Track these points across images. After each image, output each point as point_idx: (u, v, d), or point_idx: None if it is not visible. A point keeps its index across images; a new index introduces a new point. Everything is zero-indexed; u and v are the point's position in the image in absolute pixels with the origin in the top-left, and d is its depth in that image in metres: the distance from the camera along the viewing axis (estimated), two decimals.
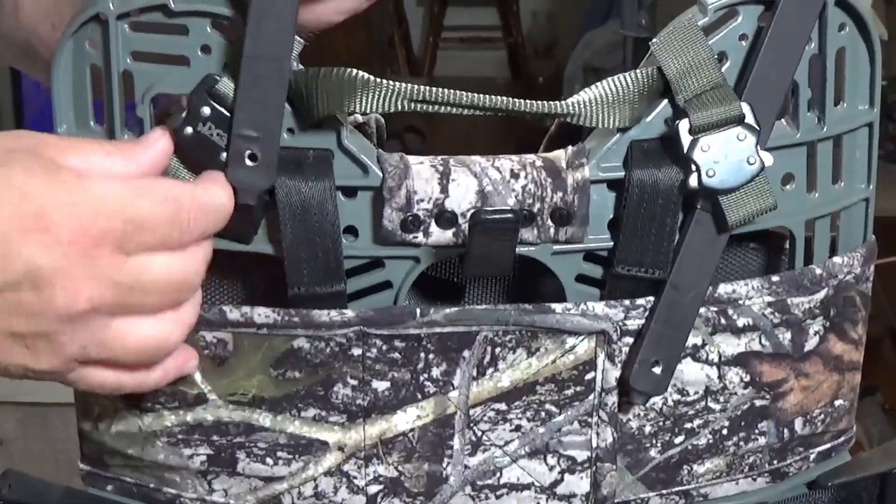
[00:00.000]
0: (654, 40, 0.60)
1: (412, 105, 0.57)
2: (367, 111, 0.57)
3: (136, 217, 0.53)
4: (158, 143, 0.57)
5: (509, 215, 0.55)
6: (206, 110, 0.57)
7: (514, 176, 0.59)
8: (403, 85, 0.57)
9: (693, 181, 0.59)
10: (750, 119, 0.59)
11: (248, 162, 0.57)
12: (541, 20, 3.59)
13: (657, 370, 0.61)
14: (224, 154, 0.57)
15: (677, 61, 0.59)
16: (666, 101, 0.60)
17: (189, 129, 0.57)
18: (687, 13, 0.60)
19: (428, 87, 0.57)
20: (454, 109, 0.58)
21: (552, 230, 0.60)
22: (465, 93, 0.57)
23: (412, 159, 0.60)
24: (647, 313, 0.61)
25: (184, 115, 0.57)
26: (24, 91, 2.07)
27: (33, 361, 0.54)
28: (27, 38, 0.73)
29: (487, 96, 0.58)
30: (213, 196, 0.56)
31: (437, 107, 0.57)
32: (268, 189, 0.58)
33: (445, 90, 0.57)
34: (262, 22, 0.56)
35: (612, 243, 0.61)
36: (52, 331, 0.53)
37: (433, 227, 0.59)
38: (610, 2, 2.77)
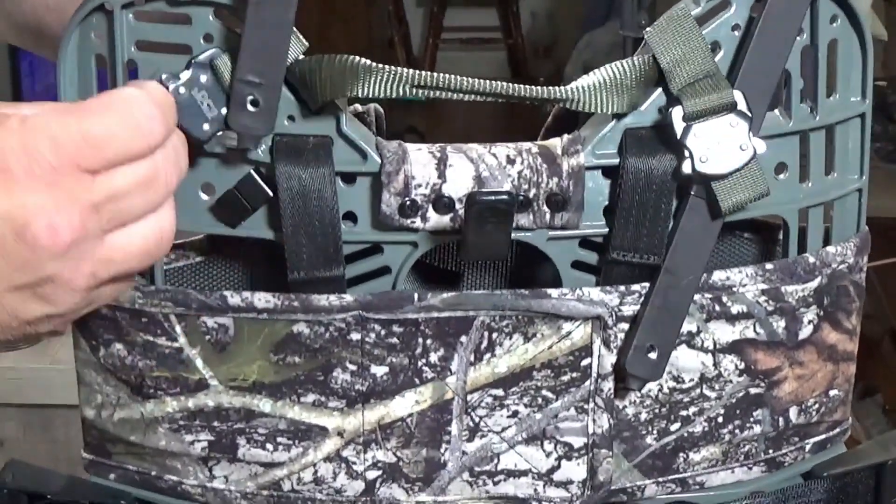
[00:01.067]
0: (647, 29, 0.61)
1: (414, 90, 0.58)
2: (370, 95, 0.58)
3: (88, 133, 0.52)
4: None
5: (504, 196, 0.56)
6: (205, 78, 0.58)
7: (511, 162, 0.60)
8: (406, 70, 0.58)
9: (686, 167, 0.60)
10: (742, 106, 0.60)
11: (250, 107, 0.58)
12: (540, 21, 3.61)
13: (653, 355, 0.62)
14: (206, 125, 0.58)
15: (671, 50, 0.60)
16: (660, 89, 0.61)
17: (183, 90, 0.57)
18: (680, 3, 0.61)
19: (429, 73, 0.58)
20: (455, 95, 0.59)
21: (548, 216, 0.61)
22: (466, 78, 0.58)
23: (410, 146, 0.61)
24: (642, 299, 0.62)
25: (183, 77, 0.57)
26: (23, 93, 2.08)
27: (52, 307, 0.54)
28: (36, 20, 0.74)
29: (488, 81, 0.59)
30: (157, 91, 0.56)
31: (439, 92, 0.58)
32: (266, 167, 0.59)
33: (446, 75, 0.58)
34: (262, 8, 0.57)
35: (607, 229, 0.62)
36: (53, 272, 0.53)
37: (431, 213, 0.60)
38: (609, 2, 2.79)
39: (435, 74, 0.59)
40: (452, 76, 0.59)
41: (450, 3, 3.42)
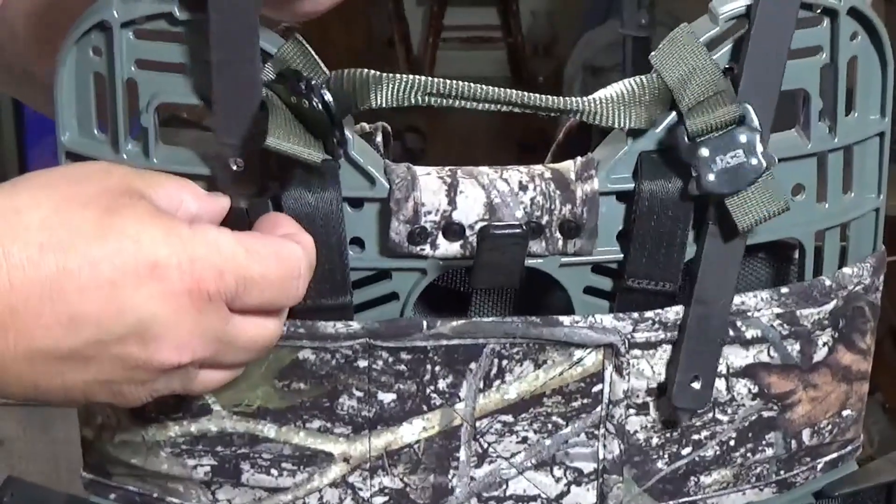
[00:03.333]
0: (653, 53, 0.59)
1: (427, 99, 0.57)
2: (383, 105, 0.56)
3: (249, 277, 0.53)
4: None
5: (518, 230, 0.55)
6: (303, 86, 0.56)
7: (523, 188, 0.59)
8: (417, 78, 0.57)
9: (693, 187, 0.58)
10: (750, 119, 0.58)
11: (234, 167, 0.57)
12: (540, 20, 3.59)
13: (696, 385, 0.61)
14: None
15: (675, 70, 0.59)
16: (674, 112, 0.60)
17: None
18: (695, 23, 0.60)
19: (442, 80, 0.57)
20: (468, 103, 0.57)
21: (560, 242, 0.59)
22: (479, 86, 0.57)
23: (419, 170, 0.59)
24: (655, 326, 0.61)
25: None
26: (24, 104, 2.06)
27: (118, 402, 0.54)
28: (24, 66, 0.72)
29: (501, 90, 0.57)
30: (313, 251, 0.56)
31: (451, 101, 0.57)
32: (267, 195, 0.57)
33: (460, 83, 0.57)
34: (225, 26, 0.55)
35: (621, 255, 0.60)
36: (149, 379, 0.53)
37: (440, 240, 0.59)
38: (609, 1, 2.77)
39: (447, 82, 0.57)
40: (464, 84, 0.57)
41: (450, 2, 3.40)
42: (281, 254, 0.54)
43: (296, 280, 0.54)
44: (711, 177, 0.58)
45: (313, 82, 0.55)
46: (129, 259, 0.51)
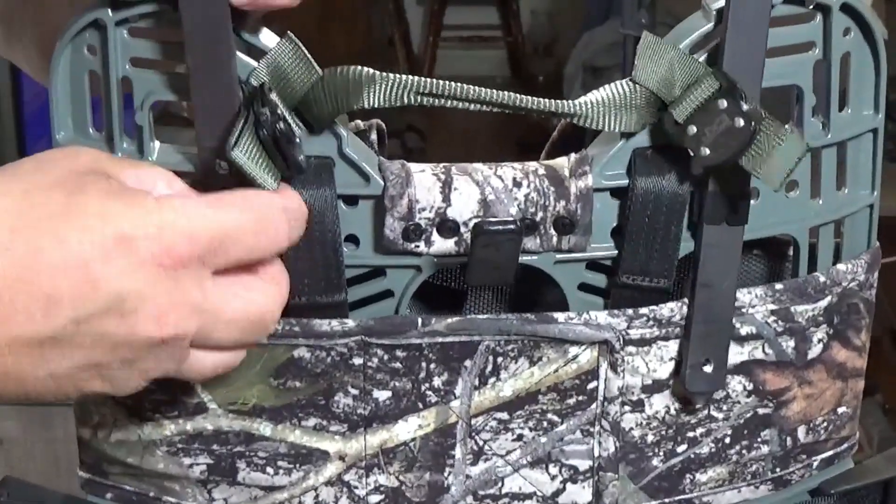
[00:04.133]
0: (633, 72, 0.59)
1: (420, 98, 0.57)
2: (375, 106, 0.56)
3: (220, 231, 0.52)
4: None
5: (512, 226, 0.55)
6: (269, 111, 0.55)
7: (517, 185, 0.59)
8: (411, 78, 0.57)
9: (695, 167, 0.57)
10: (727, 82, 0.57)
11: (219, 170, 0.56)
12: (540, 19, 3.59)
13: (708, 369, 0.61)
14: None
15: (655, 75, 0.58)
16: (668, 111, 0.60)
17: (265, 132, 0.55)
18: (647, 36, 0.59)
19: (435, 81, 0.56)
20: (461, 104, 0.57)
21: (555, 239, 0.59)
22: (472, 87, 0.57)
23: (414, 167, 0.59)
24: (650, 323, 0.61)
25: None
26: (23, 91, 2.06)
27: (112, 389, 0.53)
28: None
29: (495, 91, 0.57)
30: (293, 200, 0.55)
31: (443, 101, 0.57)
32: None
33: (453, 83, 0.57)
34: (196, 30, 0.55)
35: (615, 252, 0.60)
36: (135, 358, 0.52)
37: (435, 236, 0.59)
38: (610, 1, 2.78)
39: (440, 82, 0.57)
40: (458, 84, 0.57)
41: (450, 2, 3.40)
42: (250, 199, 0.53)
43: (273, 222, 0.53)
44: (706, 150, 0.57)
45: (276, 110, 0.54)
46: (97, 235, 0.50)
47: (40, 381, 0.52)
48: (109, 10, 0.58)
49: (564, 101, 0.58)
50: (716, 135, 0.57)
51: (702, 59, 0.59)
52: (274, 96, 0.55)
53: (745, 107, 0.57)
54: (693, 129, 0.58)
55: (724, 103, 0.57)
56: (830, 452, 0.68)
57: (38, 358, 0.51)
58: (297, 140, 0.54)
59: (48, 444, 1.62)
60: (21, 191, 0.51)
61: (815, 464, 0.67)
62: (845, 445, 0.69)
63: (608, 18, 2.74)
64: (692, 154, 0.58)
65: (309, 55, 0.57)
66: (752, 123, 0.57)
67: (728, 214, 0.60)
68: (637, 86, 0.59)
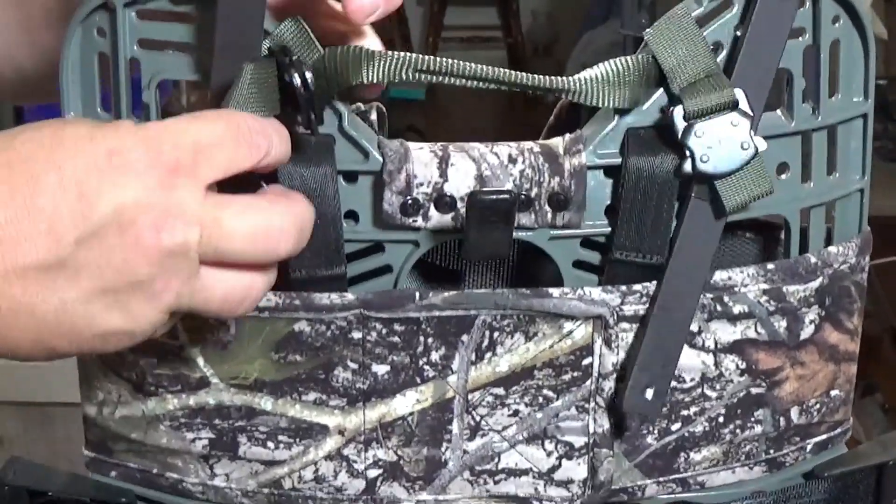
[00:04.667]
0: (647, 30, 0.61)
1: (418, 75, 0.58)
2: (375, 81, 0.58)
3: (200, 139, 0.52)
4: None
5: (506, 196, 0.56)
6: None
7: (512, 161, 0.60)
8: (410, 55, 0.58)
9: (687, 167, 0.60)
10: (743, 105, 0.60)
11: None
12: (540, 20, 3.61)
13: (649, 394, 0.62)
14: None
15: (671, 51, 0.60)
16: (661, 89, 0.61)
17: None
18: (681, 4, 0.61)
19: (434, 58, 0.58)
20: (459, 80, 0.59)
21: (549, 215, 0.61)
22: (470, 64, 0.58)
23: (412, 145, 0.61)
24: (643, 299, 0.62)
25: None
26: None
27: (131, 322, 0.53)
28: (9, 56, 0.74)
29: (492, 68, 0.59)
30: (265, 118, 0.56)
31: (442, 77, 0.58)
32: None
33: (449, 60, 0.58)
34: (232, 12, 0.57)
35: (608, 229, 0.62)
36: (146, 277, 0.52)
37: (432, 211, 0.60)
38: (609, 1, 2.79)
39: (438, 59, 0.59)
40: (456, 61, 0.59)
41: (450, 2, 3.42)
42: (222, 112, 0.54)
43: (250, 131, 0.53)
44: (706, 158, 0.60)
45: (296, 58, 0.56)
46: (88, 155, 0.51)
47: (52, 315, 0.52)
48: None
49: (560, 77, 0.59)
50: (720, 148, 0.59)
51: (719, 58, 0.61)
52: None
53: (752, 133, 0.59)
54: (700, 133, 0.59)
55: (736, 121, 0.59)
56: (824, 436, 0.69)
57: (46, 285, 0.51)
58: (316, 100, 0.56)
59: (48, 442, 1.63)
60: (10, 135, 0.53)
61: (809, 447, 0.68)
62: (839, 430, 0.69)
63: (608, 19, 2.75)
64: (690, 155, 0.60)
65: (311, 33, 0.59)
66: (756, 150, 0.60)
67: (711, 208, 0.61)
68: (631, 63, 0.60)
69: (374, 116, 0.64)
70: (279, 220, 0.54)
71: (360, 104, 0.64)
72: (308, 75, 0.55)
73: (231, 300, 0.55)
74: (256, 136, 0.54)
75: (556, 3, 3.56)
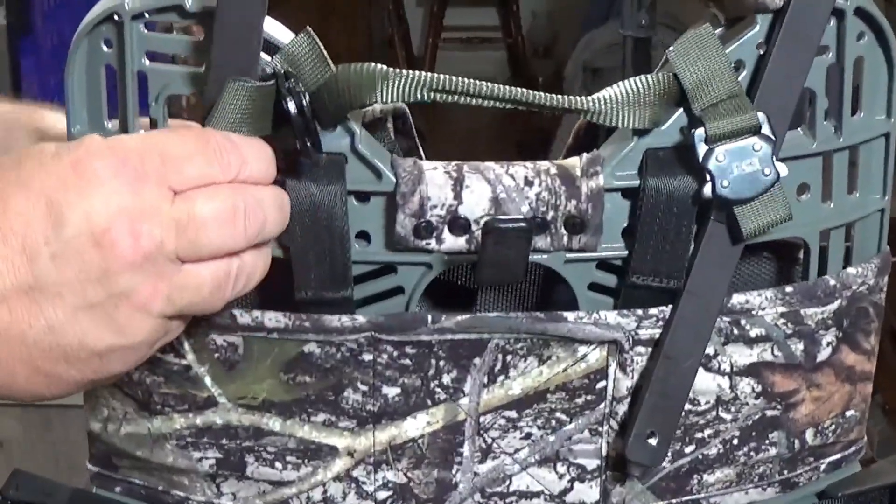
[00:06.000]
0: (670, 49, 0.59)
1: (432, 95, 0.57)
2: (388, 102, 0.57)
3: (168, 151, 0.52)
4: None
5: (522, 224, 0.55)
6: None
7: (528, 183, 0.59)
8: (425, 74, 0.57)
9: (707, 191, 0.59)
10: (766, 129, 0.59)
11: None
12: (541, 20, 3.59)
13: (653, 441, 0.61)
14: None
15: (694, 70, 0.59)
16: (682, 109, 0.60)
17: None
18: (704, 20, 0.60)
19: (449, 77, 0.57)
20: (475, 100, 0.57)
21: (565, 238, 0.59)
22: (485, 83, 0.57)
23: (426, 165, 0.59)
24: (659, 323, 0.61)
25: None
26: (23, 92, 2.07)
27: (124, 336, 0.52)
28: None
29: (508, 88, 0.57)
30: (245, 137, 0.55)
31: (457, 97, 0.57)
32: None
33: (466, 80, 0.57)
34: (229, 30, 0.55)
35: (625, 252, 0.60)
36: (129, 286, 0.51)
37: (446, 234, 0.59)
38: (609, 2, 2.77)
39: (453, 78, 0.57)
40: (471, 81, 0.57)
41: (450, 3, 3.41)
42: (197, 129, 0.54)
43: (225, 151, 0.53)
44: (726, 183, 0.58)
45: (297, 88, 0.55)
46: (53, 169, 0.50)
47: (42, 337, 0.51)
48: (126, 4, 0.58)
49: (577, 98, 0.58)
50: (742, 173, 0.58)
51: (741, 77, 0.60)
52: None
53: (774, 159, 0.58)
54: (722, 157, 0.58)
55: (759, 147, 0.58)
56: (838, 455, 0.68)
57: (30, 307, 0.50)
58: (314, 125, 0.55)
59: (48, 444, 1.62)
60: None
61: (823, 466, 0.67)
62: (853, 449, 0.69)
63: (608, 19, 2.74)
64: (709, 179, 0.58)
65: (324, 51, 0.57)
66: (778, 176, 0.58)
67: (729, 233, 0.60)
68: (650, 82, 0.59)
69: (390, 124, 0.62)
70: (246, 199, 0.53)
71: (375, 107, 0.62)
72: (304, 100, 0.54)
73: (222, 281, 0.53)
74: (227, 154, 0.53)
75: (556, 3, 3.54)
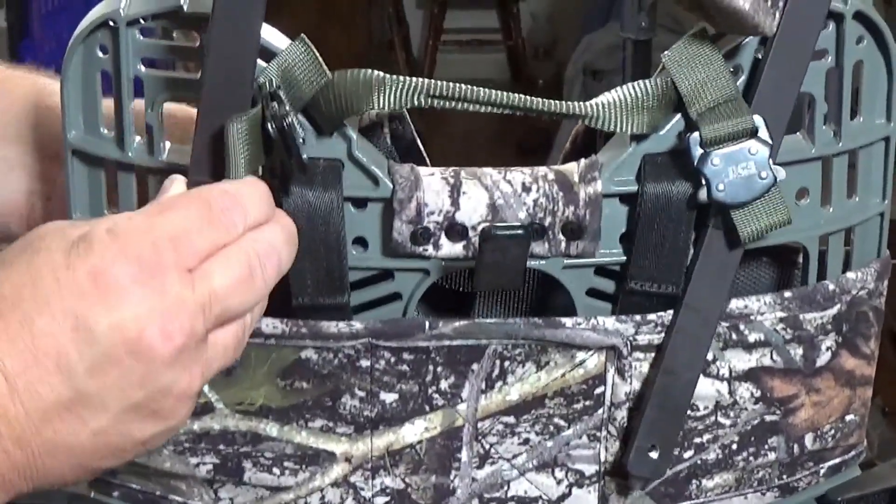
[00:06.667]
0: (665, 53, 0.59)
1: (430, 101, 0.57)
2: (386, 108, 0.57)
3: (176, 232, 0.52)
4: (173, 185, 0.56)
5: (520, 231, 0.55)
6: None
7: (526, 189, 0.59)
8: (422, 80, 0.57)
9: (703, 195, 0.58)
10: (763, 133, 0.58)
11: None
12: (540, 22, 3.59)
13: (654, 455, 0.61)
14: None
15: (690, 75, 0.59)
16: (679, 115, 0.60)
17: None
18: (700, 26, 0.60)
19: (446, 83, 0.57)
20: (472, 106, 0.57)
21: (563, 244, 0.59)
22: (482, 89, 0.57)
23: (423, 171, 0.59)
24: (657, 329, 0.61)
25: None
26: None
27: (166, 422, 0.53)
28: None
29: (505, 93, 0.57)
30: (238, 182, 0.55)
31: (454, 103, 0.57)
32: None
33: (463, 86, 0.57)
34: (223, 32, 0.55)
35: (624, 258, 0.60)
36: (169, 381, 0.52)
37: (443, 240, 0.59)
38: (609, 4, 2.77)
39: (450, 84, 0.57)
40: (468, 87, 0.57)
41: (450, 5, 3.40)
42: (190, 195, 0.54)
43: (222, 210, 0.53)
44: (722, 187, 0.58)
45: (276, 110, 0.54)
46: (71, 284, 0.50)
47: (88, 443, 0.52)
48: (121, 10, 0.58)
49: (576, 103, 0.58)
50: (738, 177, 0.58)
51: (738, 82, 0.59)
52: (283, 95, 0.55)
53: (771, 162, 0.58)
54: (718, 161, 0.58)
55: (755, 150, 0.58)
56: (838, 460, 0.68)
57: (74, 421, 0.51)
58: (302, 140, 0.55)
59: None
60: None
61: (823, 471, 0.67)
62: (853, 453, 0.68)
63: (608, 21, 2.73)
64: (705, 183, 0.58)
65: (320, 58, 0.57)
66: (775, 180, 0.58)
67: (727, 237, 0.60)
68: (648, 87, 0.58)
69: (386, 129, 0.62)
70: (258, 250, 0.54)
71: (372, 114, 0.62)
72: (287, 122, 0.54)
73: (239, 340, 0.55)
74: (229, 214, 0.53)
75: (556, 5, 3.53)
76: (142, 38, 0.59)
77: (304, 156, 0.55)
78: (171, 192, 0.55)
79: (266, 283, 0.54)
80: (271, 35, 0.58)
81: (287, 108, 0.54)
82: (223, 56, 0.55)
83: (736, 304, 0.62)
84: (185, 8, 0.57)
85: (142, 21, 0.58)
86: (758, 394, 0.63)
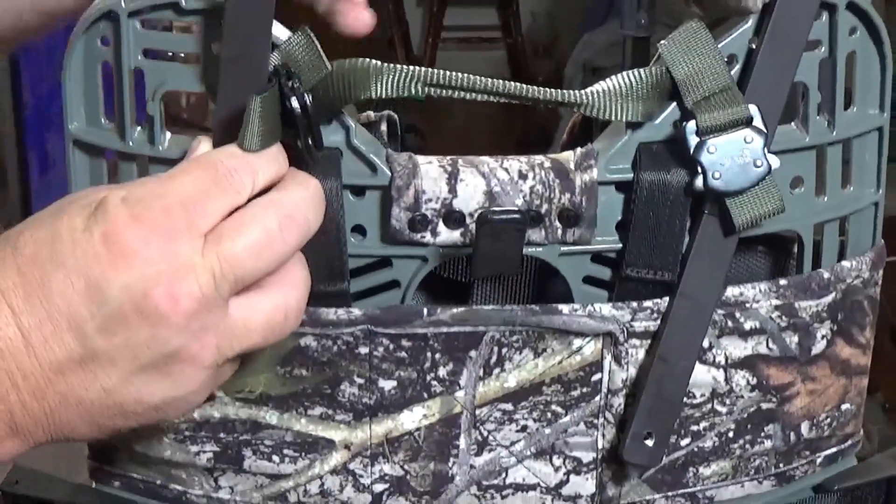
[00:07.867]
0: (662, 42, 0.60)
1: (427, 89, 0.57)
2: (384, 96, 0.57)
3: (187, 196, 0.53)
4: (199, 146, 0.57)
5: (516, 216, 0.55)
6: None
7: (522, 177, 0.59)
8: (418, 68, 0.58)
9: (699, 183, 0.59)
10: (757, 121, 0.59)
11: None
12: (540, 20, 3.60)
13: (650, 442, 0.61)
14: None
15: (685, 64, 0.59)
16: (674, 103, 0.60)
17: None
18: (693, 10, 0.60)
19: (443, 71, 0.57)
20: (468, 94, 0.58)
21: (560, 231, 0.60)
22: (479, 77, 0.58)
23: (421, 159, 0.60)
24: (653, 315, 0.61)
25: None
26: (23, 93, 2.08)
27: (179, 389, 0.54)
28: None
29: (502, 81, 0.58)
30: (243, 144, 0.55)
31: (451, 91, 0.57)
32: None
33: (460, 74, 0.57)
34: (239, 22, 0.56)
35: (619, 245, 0.61)
36: (178, 345, 0.53)
37: (441, 227, 0.59)
38: (609, 1, 2.77)
39: (448, 73, 0.58)
40: (465, 75, 0.58)
41: (450, 3, 3.41)
42: (199, 159, 0.54)
43: (230, 173, 0.53)
44: (717, 175, 0.59)
45: (296, 85, 0.55)
46: (86, 246, 0.52)
47: (98, 400, 0.53)
48: (122, 2, 0.59)
49: (571, 91, 0.58)
50: (733, 165, 0.59)
51: (733, 71, 0.60)
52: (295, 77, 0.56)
53: (766, 151, 0.58)
54: (713, 150, 0.58)
55: (750, 139, 0.58)
56: (834, 449, 0.68)
57: (85, 376, 0.53)
58: (317, 123, 0.56)
59: (48, 444, 1.62)
60: (14, 237, 0.54)
61: (819, 460, 0.68)
62: (849, 442, 0.69)
63: (607, 19, 2.73)
64: (701, 172, 0.59)
65: (320, 48, 0.57)
66: (770, 168, 0.59)
67: (722, 225, 0.60)
68: (643, 76, 0.59)
69: (384, 127, 0.63)
70: (278, 213, 0.54)
71: (370, 113, 0.63)
72: (307, 99, 0.55)
73: (273, 323, 0.55)
74: (237, 175, 0.54)
75: (556, 3, 3.54)
76: (142, 29, 0.59)
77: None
78: (199, 151, 0.56)
79: (287, 245, 0.54)
80: (273, 27, 0.59)
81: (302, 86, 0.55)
82: (238, 46, 0.56)
83: (731, 292, 0.62)
84: (183, 2, 0.58)
85: (142, 12, 0.59)
86: (754, 381, 0.64)
